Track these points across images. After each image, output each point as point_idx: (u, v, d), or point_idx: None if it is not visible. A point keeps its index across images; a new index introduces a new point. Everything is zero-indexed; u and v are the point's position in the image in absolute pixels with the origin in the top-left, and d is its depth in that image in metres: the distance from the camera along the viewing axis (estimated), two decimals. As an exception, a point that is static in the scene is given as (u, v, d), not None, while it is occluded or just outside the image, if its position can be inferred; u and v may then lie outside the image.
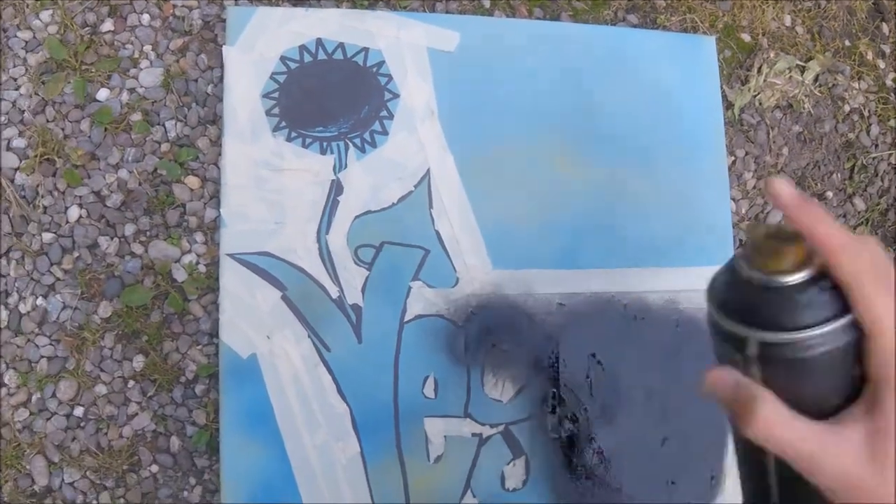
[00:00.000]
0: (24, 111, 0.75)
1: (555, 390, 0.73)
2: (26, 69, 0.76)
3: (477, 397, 0.72)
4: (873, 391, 0.34)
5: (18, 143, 0.75)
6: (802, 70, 0.83)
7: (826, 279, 0.34)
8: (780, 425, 0.34)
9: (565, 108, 0.76)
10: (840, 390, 0.35)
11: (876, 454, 0.33)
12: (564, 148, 0.76)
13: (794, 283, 0.34)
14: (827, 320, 0.34)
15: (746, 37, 0.84)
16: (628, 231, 0.76)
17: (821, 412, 0.35)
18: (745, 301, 0.36)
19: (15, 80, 0.76)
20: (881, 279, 0.34)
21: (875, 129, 0.87)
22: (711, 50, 0.80)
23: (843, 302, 0.34)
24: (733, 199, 0.79)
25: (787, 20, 0.86)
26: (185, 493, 0.72)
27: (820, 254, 0.34)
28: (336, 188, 0.72)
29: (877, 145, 0.85)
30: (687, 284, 0.76)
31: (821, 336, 0.34)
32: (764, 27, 0.85)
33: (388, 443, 0.71)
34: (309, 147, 0.73)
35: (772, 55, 0.83)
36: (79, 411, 0.72)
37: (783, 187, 0.35)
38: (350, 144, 0.73)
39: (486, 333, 0.72)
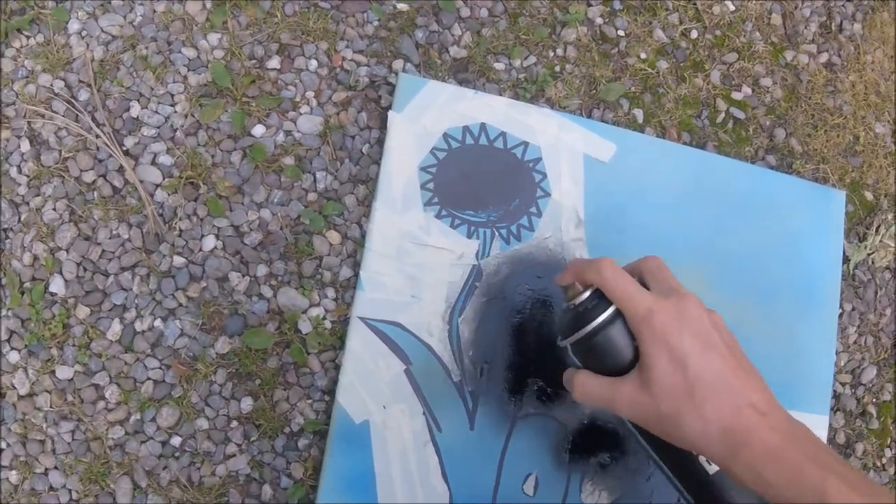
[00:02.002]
0: (176, 129, 0.75)
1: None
2: (186, 88, 0.76)
3: (573, 502, 0.73)
4: (640, 347, 0.52)
5: (165, 159, 0.75)
6: (914, 236, 0.87)
7: (596, 291, 0.55)
8: (587, 384, 0.55)
9: (700, 236, 0.78)
10: (626, 356, 0.54)
11: (643, 383, 0.51)
12: (693, 274, 0.78)
13: (578, 301, 0.56)
14: (598, 315, 0.54)
15: (869, 195, 0.87)
16: (738, 366, 0.77)
17: (621, 372, 0.54)
18: (560, 325, 0.57)
19: (172, 96, 0.76)
20: (621, 276, 0.54)
21: (967, 305, 0.90)
22: (841, 204, 0.83)
23: (608, 301, 0.54)
24: (836, 352, 0.82)
25: (908, 186, 0.89)
26: (267, 542, 0.72)
27: (587, 279, 0.56)
28: (476, 273, 0.73)
29: (967, 321, 0.89)
30: (783, 427, 0.78)
31: (598, 325, 0.54)
32: (886, 189, 0.88)
33: (480, 534, 0.71)
34: (457, 228, 0.74)
35: (890, 217, 0.86)
36: (176, 441, 0.72)
37: (558, 277, 0.59)
38: (497, 233, 0.74)
39: (591, 441, 0.74)
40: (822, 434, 0.79)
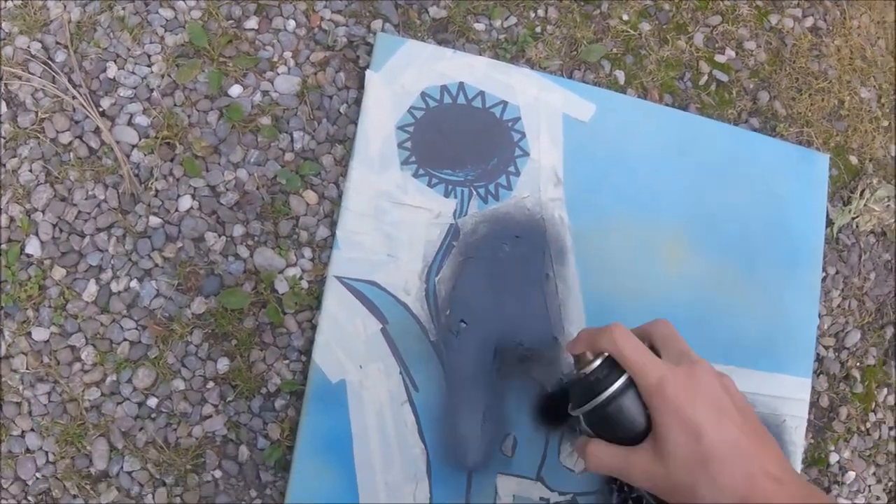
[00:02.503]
0: (152, 90, 0.75)
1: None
2: (163, 48, 0.76)
3: (551, 463, 0.73)
4: (652, 417, 0.52)
5: (141, 120, 0.74)
6: (899, 201, 0.86)
7: (608, 359, 0.56)
8: (600, 454, 0.55)
9: (682, 197, 0.78)
10: (638, 425, 0.53)
11: (657, 453, 0.51)
12: (674, 236, 0.77)
13: (590, 370, 0.56)
14: (611, 384, 0.54)
15: (854, 159, 0.86)
16: (720, 327, 0.77)
17: (635, 442, 0.53)
18: (572, 395, 0.58)
19: (149, 56, 0.75)
20: (633, 343, 0.54)
21: (955, 269, 0.90)
22: (824, 167, 0.82)
23: (621, 369, 0.54)
24: (819, 315, 0.81)
25: (893, 150, 0.88)
26: (244, 503, 0.72)
27: (599, 347, 0.56)
28: (453, 232, 0.73)
29: (954, 286, 0.88)
30: (765, 389, 0.77)
31: (611, 394, 0.54)
32: (871, 153, 0.87)
33: (458, 492, 0.71)
34: (434, 187, 0.73)
35: (874, 181, 0.85)
36: (152, 402, 0.72)
37: (568, 345, 0.60)
38: (475, 192, 0.74)
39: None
40: (805, 397, 0.78)
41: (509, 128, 0.75)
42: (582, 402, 0.56)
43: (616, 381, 0.54)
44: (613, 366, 0.55)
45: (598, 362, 0.56)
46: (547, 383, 0.73)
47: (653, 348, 0.56)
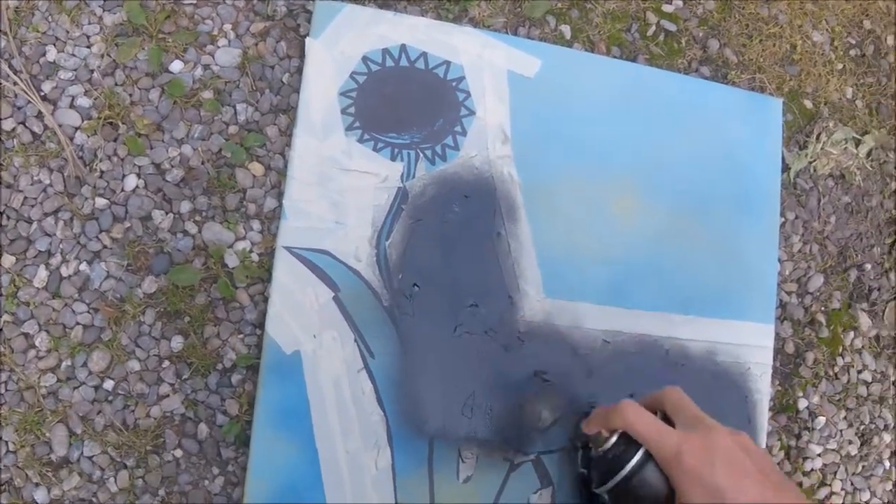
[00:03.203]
0: (93, 71, 0.74)
1: (589, 425, 0.73)
2: (101, 28, 0.75)
3: (513, 423, 0.72)
4: (674, 486, 0.53)
5: (83, 101, 0.73)
6: (857, 143, 0.85)
7: (625, 436, 0.57)
8: None
9: (633, 148, 0.77)
10: (661, 495, 0.55)
11: None
12: (627, 188, 0.76)
13: (607, 448, 0.58)
14: (629, 460, 0.56)
15: (809, 103, 0.86)
16: (678, 277, 0.76)
17: None
18: (594, 473, 0.60)
19: (88, 37, 0.75)
20: (644, 417, 0.56)
21: (917, 210, 0.89)
22: (777, 112, 0.82)
23: (637, 443, 0.56)
24: (779, 260, 0.81)
25: (849, 92, 0.87)
26: (207, 482, 0.71)
27: (611, 426, 0.58)
28: (402, 196, 0.72)
29: (918, 225, 0.87)
30: (727, 337, 0.77)
31: (631, 470, 0.56)
32: (826, 96, 0.86)
33: (421, 458, 0.70)
34: (380, 151, 0.72)
35: (830, 125, 0.84)
36: (108, 385, 0.71)
37: (583, 424, 0.63)
38: (421, 155, 0.73)
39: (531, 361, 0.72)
40: (769, 344, 0.78)
41: (454, 87, 0.75)
42: (604, 479, 0.58)
43: (633, 456, 0.56)
44: (630, 441, 0.57)
45: (613, 439, 0.58)
46: (504, 341, 0.72)
47: (666, 417, 0.58)
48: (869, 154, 0.86)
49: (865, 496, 0.85)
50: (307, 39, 0.73)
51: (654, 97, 0.78)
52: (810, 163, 0.83)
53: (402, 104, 0.73)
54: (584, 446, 0.69)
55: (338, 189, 0.71)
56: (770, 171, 0.80)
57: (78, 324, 0.71)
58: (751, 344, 0.77)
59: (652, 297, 0.76)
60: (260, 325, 0.72)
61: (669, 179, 0.77)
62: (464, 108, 0.74)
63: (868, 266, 0.86)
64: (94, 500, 0.71)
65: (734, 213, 0.78)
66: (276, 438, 0.68)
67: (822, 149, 0.83)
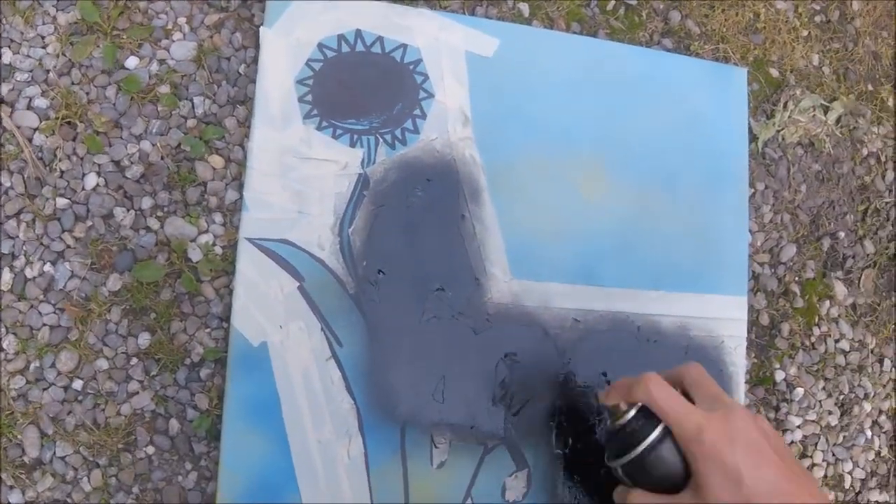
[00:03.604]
0: (49, 71, 0.73)
1: (562, 405, 0.73)
2: (56, 28, 0.74)
3: (485, 406, 0.71)
4: (691, 465, 0.53)
5: (40, 102, 0.73)
6: (826, 110, 0.84)
7: (644, 410, 0.57)
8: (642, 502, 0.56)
9: (596, 125, 0.76)
10: (677, 473, 0.54)
11: (699, 500, 0.52)
12: (591, 165, 0.76)
13: (626, 421, 0.57)
14: (648, 434, 0.55)
15: (775, 72, 0.85)
16: (647, 253, 0.76)
17: (674, 489, 0.54)
18: (609, 446, 0.59)
19: (43, 38, 0.74)
20: (668, 392, 0.55)
21: (890, 175, 0.88)
22: (742, 81, 0.81)
23: (657, 418, 0.55)
24: (750, 231, 0.80)
25: (815, 59, 0.87)
26: (180, 477, 0.71)
27: (633, 398, 0.57)
28: (363, 182, 0.72)
29: (891, 190, 0.86)
30: (699, 311, 0.76)
31: (648, 446, 0.55)
32: (792, 64, 0.85)
33: (393, 445, 0.70)
34: (339, 138, 0.72)
35: (798, 92, 0.84)
36: (77, 384, 0.71)
37: (601, 396, 0.61)
38: (381, 140, 0.72)
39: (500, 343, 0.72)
40: (742, 316, 0.77)
41: (411, 71, 0.74)
42: (620, 453, 0.57)
43: (653, 431, 0.55)
44: (649, 416, 0.56)
45: (632, 412, 0.57)
46: (473, 322, 0.71)
47: (685, 393, 0.57)
48: (838, 121, 0.85)
49: (848, 466, 0.85)
50: (261, 29, 0.73)
51: (617, 72, 0.78)
52: (778, 131, 0.83)
53: (360, 90, 0.73)
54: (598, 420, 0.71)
55: (298, 178, 0.71)
56: (737, 141, 0.79)
57: (45, 325, 0.71)
58: (724, 317, 0.77)
59: (622, 275, 0.75)
60: (226, 318, 0.71)
61: (635, 155, 0.77)
62: (422, 91, 0.74)
63: (841, 234, 0.86)
64: (68, 500, 0.70)
65: (703, 185, 0.78)
66: (246, 431, 0.68)
67: (789, 117, 0.83)
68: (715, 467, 0.51)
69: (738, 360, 0.77)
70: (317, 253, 0.70)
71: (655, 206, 0.76)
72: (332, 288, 0.70)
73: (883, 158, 0.88)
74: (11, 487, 0.70)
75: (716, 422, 0.52)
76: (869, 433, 0.85)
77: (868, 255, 0.86)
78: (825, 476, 0.84)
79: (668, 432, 0.55)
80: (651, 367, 0.71)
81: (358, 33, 0.74)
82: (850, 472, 0.85)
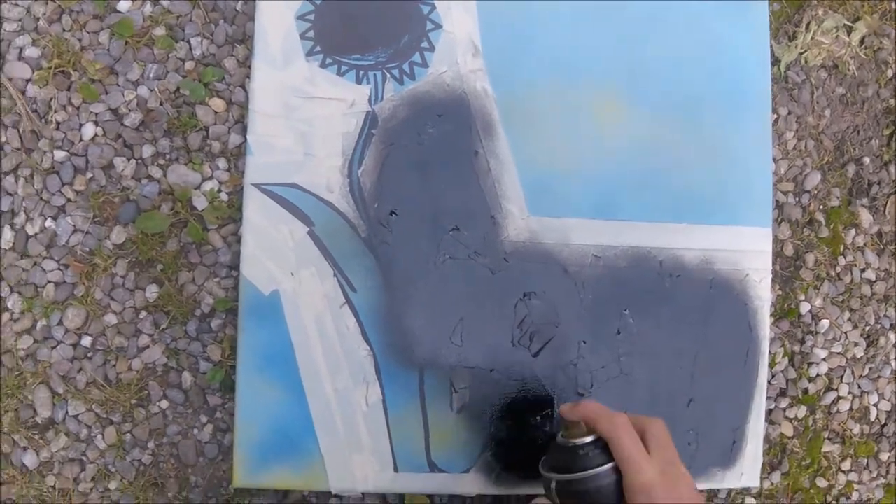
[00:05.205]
0: (38, 18, 0.70)
1: (584, 343, 0.71)
2: (41, -27, 0.71)
3: (505, 348, 0.70)
4: None
5: (31, 52, 0.70)
6: (849, 30, 0.81)
7: (600, 440, 0.56)
8: None
9: (611, 53, 0.73)
10: None
11: None
12: (608, 94, 0.73)
13: (579, 443, 0.56)
14: (597, 466, 0.55)
15: (796, -9, 0.81)
16: (668, 184, 0.73)
17: None
18: (552, 457, 0.58)
19: (29, -17, 0.71)
20: (632, 439, 0.55)
21: (916, 97, 0.85)
22: (763, 4, 0.77)
23: (610, 454, 0.55)
24: (774, 159, 0.77)
25: (838, -22, 0.83)
26: (195, 430, 0.70)
27: (597, 429, 0.56)
28: (371, 120, 0.69)
29: (917, 113, 0.83)
30: (724, 244, 0.74)
31: (593, 475, 0.55)
32: (814, -18, 0.82)
33: (411, 390, 0.68)
34: (344, 75, 0.69)
35: (820, 12, 0.80)
36: (86, 341, 0.69)
37: (566, 408, 0.60)
38: (388, 75, 0.69)
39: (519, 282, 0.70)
40: (767, 248, 0.75)
41: (417, 1, 0.70)
42: (561, 470, 0.57)
43: (603, 465, 0.55)
44: (604, 448, 0.56)
45: (590, 439, 0.57)
46: (489, 263, 0.69)
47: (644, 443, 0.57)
48: (862, 41, 0.82)
49: (874, 398, 0.83)
50: (258, -37, 0.69)
51: (630, -3, 0.74)
52: (801, 54, 0.79)
53: (364, 23, 0.69)
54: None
55: (303, 119, 0.68)
56: (759, 64, 0.76)
57: (49, 282, 0.69)
58: (748, 249, 0.74)
59: (642, 208, 0.72)
60: (235, 266, 0.69)
61: (653, 83, 0.74)
62: (430, 22, 0.70)
63: (867, 160, 0.83)
64: (83, 458, 0.69)
65: (724, 112, 0.75)
66: (261, 382, 0.66)
67: (812, 38, 0.79)
68: None
69: (764, 294, 0.75)
70: (326, 196, 0.68)
71: (676, 135, 0.73)
72: (343, 232, 0.68)
73: (908, 80, 0.85)
74: (25, 449, 0.69)
75: (667, 482, 0.53)
76: (894, 364, 0.83)
77: (894, 180, 0.83)
78: (850, 409, 0.82)
79: (616, 472, 0.55)
80: (674, 302, 0.69)
81: (359, -37, 0.70)
82: (875, 405, 0.83)
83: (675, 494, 0.53)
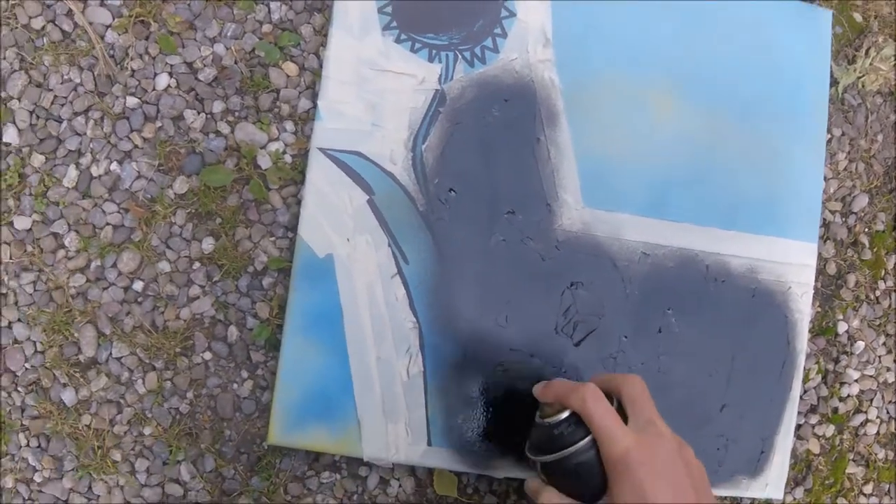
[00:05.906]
0: (122, -32, 0.72)
1: (625, 337, 0.72)
2: (131, -76, 0.72)
3: (547, 335, 0.70)
4: (610, 483, 0.54)
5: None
6: (907, 61, 0.82)
7: (575, 414, 0.56)
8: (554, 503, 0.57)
9: (677, 53, 0.74)
10: (595, 485, 0.55)
11: None
12: (670, 93, 0.74)
13: (555, 422, 0.57)
14: (575, 442, 0.55)
15: (858, 17, 0.82)
16: (720, 189, 0.74)
17: (587, 498, 0.56)
18: (533, 438, 0.59)
19: (117, -67, 0.72)
20: (603, 408, 0.55)
21: (967, 135, 0.86)
22: (827, 22, 0.79)
23: (586, 427, 0.55)
24: (824, 178, 0.78)
25: (900, 8, 0.84)
26: (235, 385, 0.71)
27: (568, 404, 0.57)
28: (440, 98, 0.70)
29: (967, 150, 0.84)
30: (770, 255, 0.75)
31: (572, 452, 0.55)
32: (877, 10, 0.83)
33: (453, 366, 0.69)
34: (417, 52, 0.70)
35: (880, 40, 0.81)
36: (138, 286, 0.70)
37: (538, 389, 0.61)
38: (460, 56, 0.71)
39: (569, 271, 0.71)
40: (812, 263, 0.76)
41: (494, -12, 0.72)
42: (542, 450, 0.58)
43: (580, 439, 0.55)
44: (579, 422, 0.56)
45: (564, 415, 0.57)
46: (542, 249, 0.70)
47: (621, 406, 0.57)
48: (919, 73, 0.83)
49: (902, 424, 0.84)
50: (344, -65, 0.71)
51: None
52: (859, 78, 0.81)
53: (441, 4, 0.71)
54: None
55: (374, 90, 0.69)
56: (818, 81, 0.77)
57: (108, 224, 0.70)
58: (794, 262, 0.75)
59: (693, 209, 0.74)
60: (292, 227, 0.70)
61: (714, 87, 0.75)
62: (504, 10, 0.72)
63: (914, 189, 0.84)
64: (121, 401, 0.70)
65: (778, 121, 0.76)
66: (306, 343, 0.67)
67: (871, 64, 0.80)
68: (632, 492, 0.52)
69: (804, 308, 0.76)
70: (388, 167, 0.69)
71: (731, 140, 0.75)
72: (401, 203, 0.69)
73: (960, 115, 0.86)
74: (65, 385, 0.70)
75: (644, 447, 0.53)
76: (925, 394, 0.84)
77: (939, 212, 0.84)
78: (878, 433, 0.83)
79: (594, 444, 0.55)
80: (716, 307, 0.70)
81: (442, -55, 0.72)
82: (902, 432, 0.84)
83: (652, 455, 0.53)
